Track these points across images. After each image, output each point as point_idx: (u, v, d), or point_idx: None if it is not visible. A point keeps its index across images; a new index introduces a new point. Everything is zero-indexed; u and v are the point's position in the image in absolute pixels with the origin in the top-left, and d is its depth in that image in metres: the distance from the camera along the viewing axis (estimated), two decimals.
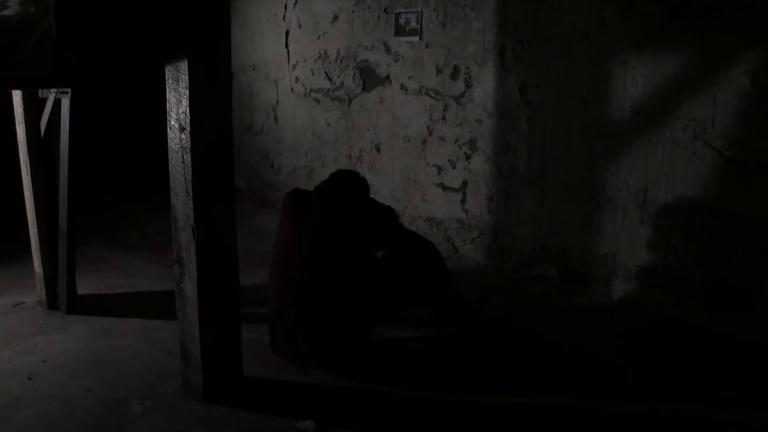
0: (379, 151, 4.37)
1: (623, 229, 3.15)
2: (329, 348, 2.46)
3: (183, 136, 2.09)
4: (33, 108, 2.95)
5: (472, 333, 2.87)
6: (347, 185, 2.58)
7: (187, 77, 2.04)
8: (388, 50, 4.17)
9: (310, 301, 2.42)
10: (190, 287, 2.17)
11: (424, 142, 4.06)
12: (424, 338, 2.81)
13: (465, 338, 2.83)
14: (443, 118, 3.92)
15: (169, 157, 2.18)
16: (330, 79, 4.65)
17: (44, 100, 2.95)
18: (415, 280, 2.68)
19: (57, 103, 2.89)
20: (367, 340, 2.62)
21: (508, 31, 3.51)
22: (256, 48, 5.28)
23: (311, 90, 4.82)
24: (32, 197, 3.01)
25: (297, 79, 4.94)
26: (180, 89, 2.07)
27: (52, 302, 3.06)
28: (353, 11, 4.36)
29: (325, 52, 4.64)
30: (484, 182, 3.76)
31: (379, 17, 4.20)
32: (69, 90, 2.79)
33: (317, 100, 4.79)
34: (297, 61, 4.92)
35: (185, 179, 2.11)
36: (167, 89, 2.13)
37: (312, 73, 4.79)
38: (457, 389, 2.37)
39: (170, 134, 2.15)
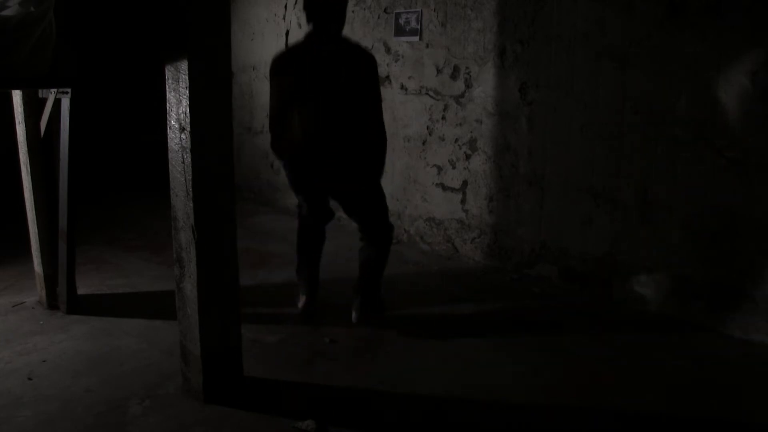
0: None
1: (623, 229, 3.15)
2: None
3: (183, 136, 2.09)
4: (33, 108, 2.95)
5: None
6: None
7: (187, 77, 2.04)
8: (388, 50, 4.17)
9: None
10: (190, 287, 2.17)
11: (424, 142, 4.06)
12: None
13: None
14: (443, 118, 3.92)
15: (169, 157, 2.18)
16: None
17: (44, 100, 2.95)
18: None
19: (57, 103, 2.89)
20: None
21: (508, 31, 3.51)
22: (256, 48, 5.28)
23: None
24: (32, 197, 3.01)
25: None
26: (180, 89, 2.07)
27: (52, 302, 3.06)
28: (353, 11, 4.36)
29: None
30: (484, 182, 3.76)
31: (379, 17, 4.20)
32: (69, 90, 2.79)
33: None
34: None
35: (185, 179, 2.11)
36: (167, 89, 2.13)
37: None
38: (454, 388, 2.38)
39: (170, 134, 2.15)
